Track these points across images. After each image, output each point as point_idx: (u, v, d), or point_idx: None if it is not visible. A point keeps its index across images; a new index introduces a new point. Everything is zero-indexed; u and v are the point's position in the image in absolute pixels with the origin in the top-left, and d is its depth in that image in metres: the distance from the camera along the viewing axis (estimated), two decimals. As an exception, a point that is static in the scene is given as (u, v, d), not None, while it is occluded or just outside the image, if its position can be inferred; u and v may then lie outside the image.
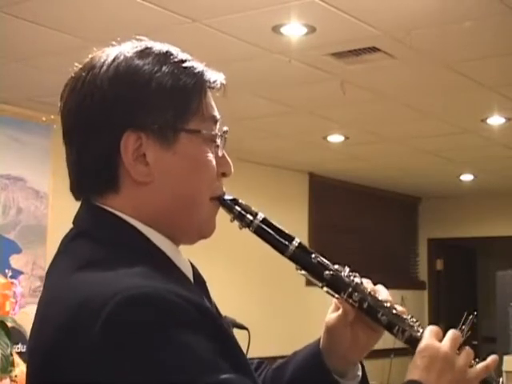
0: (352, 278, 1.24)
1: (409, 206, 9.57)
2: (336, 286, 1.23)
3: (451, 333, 1.20)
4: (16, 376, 3.77)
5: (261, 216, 1.20)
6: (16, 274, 5.08)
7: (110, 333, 0.95)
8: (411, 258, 9.60)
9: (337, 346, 1.30)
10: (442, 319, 9.40)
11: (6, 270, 4.90)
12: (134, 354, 0.95)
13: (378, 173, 7.98)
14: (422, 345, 1.19)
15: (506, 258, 9.16)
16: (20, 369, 3.83)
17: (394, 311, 1.25)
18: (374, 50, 4.13)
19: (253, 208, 1.21)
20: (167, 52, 1.15)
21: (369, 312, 1.24)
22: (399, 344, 1.32)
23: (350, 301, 1.24)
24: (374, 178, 8.31)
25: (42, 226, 5.38)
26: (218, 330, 1.03)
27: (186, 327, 0.98)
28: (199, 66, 1.17)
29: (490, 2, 3.50)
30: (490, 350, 8.69)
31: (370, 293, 1.25)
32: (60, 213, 5.46)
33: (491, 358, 1.21)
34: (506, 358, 6.86)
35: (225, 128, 1.19)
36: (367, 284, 1.27)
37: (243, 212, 1.19)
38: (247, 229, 1.20)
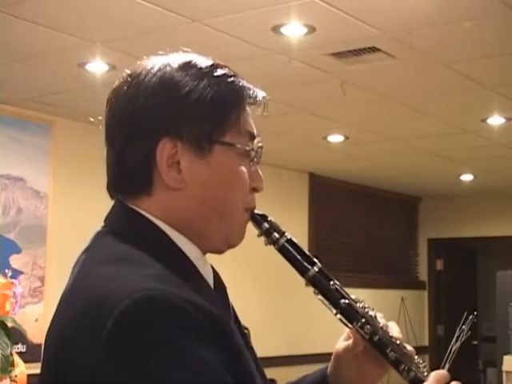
0: (367, 310, 1.26)
1: (409, 206, 9.57)
2: (350, 315, 1.25)
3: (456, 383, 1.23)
4: (16, 376, 3.77)
5: (287, 236, 1.23)
6: (16, 274, 5.08)
7: (119, 331, 0.97)
8: (411, 258, 9.60)
9: (342, 375, 1.33)
10: (442, 319, 9.40)
11: (6, 270, 4.92)
12: (136, 356, 0.96)
13: (378, 173, 7.98)
14: None
15: (506, 258, 9.17)
16: (20, 369, 3.83)
17: (404, 349, 1.27)
18: (373, 50, 4.13)
19: (281, 227, 1.24)
20: (212, 65, 1.19)
21: (378, 346, 1.26)
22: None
23: (362, 332, 1.25)
24: (374, 178, 8.31)
25: (42, 226, 5.38)
26: (228, 344, 1.04)
27: (191, 335, 0.99)
28: (242, 82, 1.20)
29: (490, 2, 3.50)
30: (490, 349, 8.71)
31: (382, 327, 1.27)
32: (60, 213, 5.46)
33: None
34: (505, 357, 6.86)
35: (260, 144, 1.21)
36: (380, 319, 1.28)
37: (271, 229, 1.23)
38: (272, 246, 1.23)
